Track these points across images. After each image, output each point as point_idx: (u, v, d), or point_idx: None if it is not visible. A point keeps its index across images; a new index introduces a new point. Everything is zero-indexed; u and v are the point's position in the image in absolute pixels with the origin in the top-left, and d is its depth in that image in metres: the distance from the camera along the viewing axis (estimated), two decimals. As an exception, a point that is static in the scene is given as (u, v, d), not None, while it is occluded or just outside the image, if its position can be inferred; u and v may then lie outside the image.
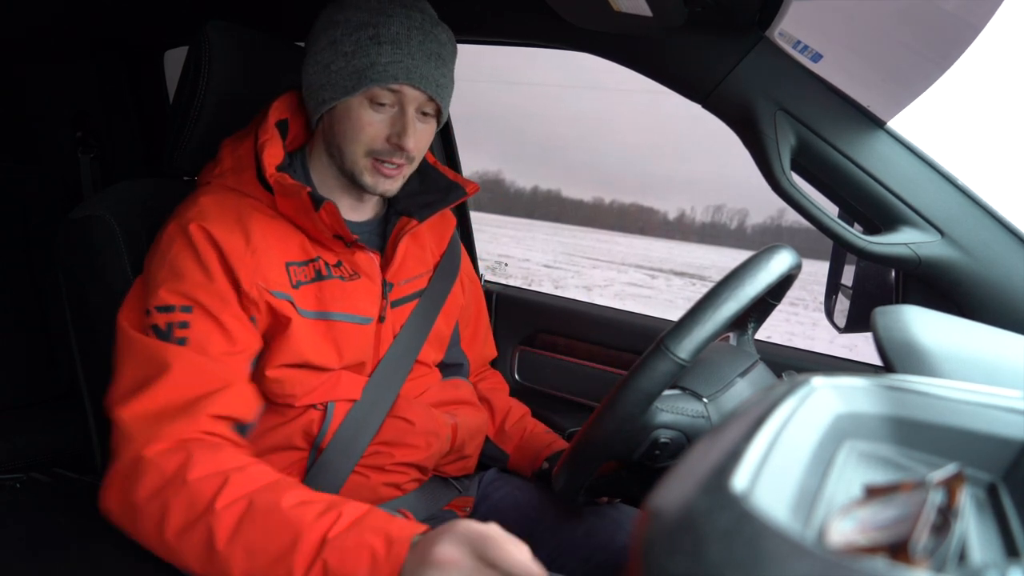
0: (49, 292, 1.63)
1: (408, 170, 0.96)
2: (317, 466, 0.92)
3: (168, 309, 0.83)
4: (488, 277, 1.72)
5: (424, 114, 0.94)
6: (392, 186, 0.96)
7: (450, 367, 1.19)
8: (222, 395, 0.81)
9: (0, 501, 0.94)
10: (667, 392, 0.85)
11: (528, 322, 1.58)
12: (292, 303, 0.89)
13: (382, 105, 0.91)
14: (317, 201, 0.87)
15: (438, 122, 0.97)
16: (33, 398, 1.58)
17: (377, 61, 0.88)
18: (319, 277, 0.93)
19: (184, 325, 0.83)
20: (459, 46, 1.51)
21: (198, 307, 0.84)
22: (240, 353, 0.85)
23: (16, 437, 1.45)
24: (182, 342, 0.82)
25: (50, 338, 1.62)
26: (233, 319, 0.85)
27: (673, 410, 0.83)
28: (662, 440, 0.83)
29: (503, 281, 1.76)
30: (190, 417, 0.79)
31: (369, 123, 0.91)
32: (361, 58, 0.89)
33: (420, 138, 0.93)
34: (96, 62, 1.71)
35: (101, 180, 1.76)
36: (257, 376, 0.90)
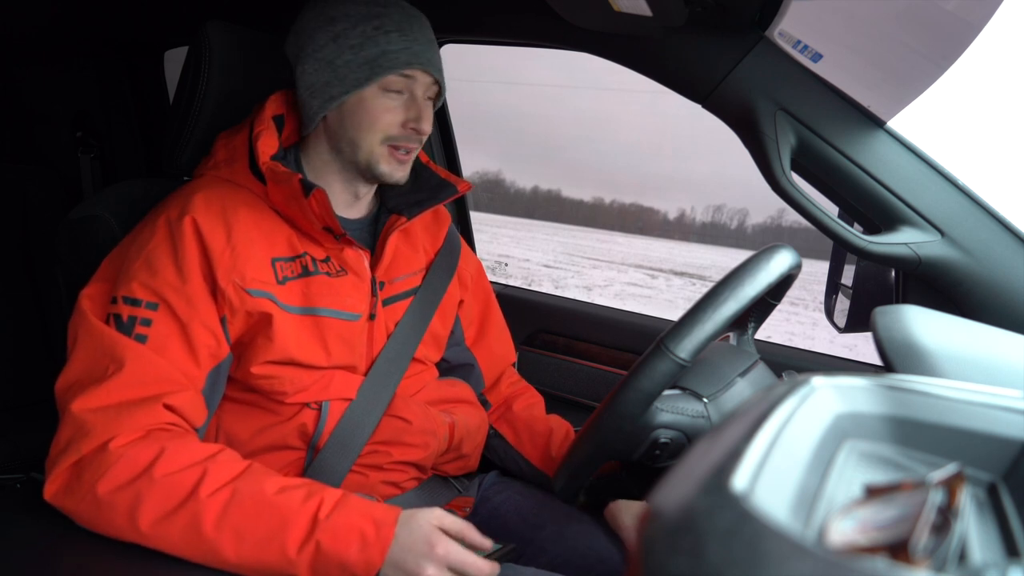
0: (49, 292, 1.63)
1: (415, 153, 1.00)
2: (314, 466, 0.92)
3: (135, 303, 0.83)
4: (488, 277, 1.72)
5: (428, 97, 0.98)
6: (405, 172, 0.99)
7: (457, 368, 1.18)
8: (176, 396, 0.82)
9: (0, 501, 0.94)
10: (667, 392, 0.85)
11: (528, 322, 1.58)
12: (274, 300, 0.89)
13: (395, 92, 0.94)
14: (308, 188, 0.88)
15: (433, 105, 1.01)
16: (33, 398, 1.58)
17: (388, 49, 0.91)
18: (306, 273, 0.93)
19: (147, 323, 0.83)
20: (459, 46, 1.51)
21: (165, 306, 0.84)
22: (197, 363, 0.85)
23: (16, 437, 1.45)
24: (141, 339, 0.82)
25: (50, 338, 1.62)
26: (199, 326, 0.85)
27: (673, 410, 0.83)
28: (662, 440, 0.83)
29: (503, 281, 1.76)
30: (150, 409, 0.80)
31: (386, 110, 0.94)
32: (371, 48, 0.91)
33: (430, 119, 0.98)
34: (96, 62, 1.71)
35: (101, 180, 1.76)
36: (243, 372, 0.90)
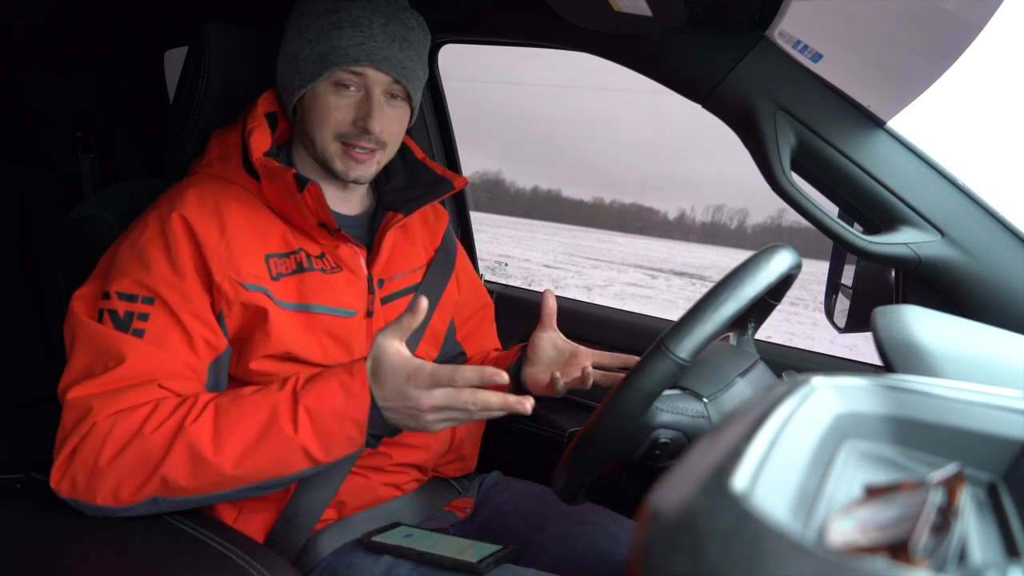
0: (49, 292, 1.63)
1: (382, 156, 0.97)
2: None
3: (131, 298, 0.83)
4: (488, 277, 1.72)
5: (393, 97, 0.94)
6: (365, 172, 0.96)
7: (448, 362, 1.19)
8: (174, 381, 0.83)
9: (0, 501, 0.94)
10: (667, 392, 0.85)
11: (528, 322, 1.57)
12: (268, 295, 0.89)
13: (347, 88, 0.92)
14: (302, 183, 0.88)
15: (411, 108, 0.98)
16: (33, 398, 1.58)
17: (338, 45, 0.90)
18: (300, 269, 0.93)
19: (144, 317, 0.83)
20: (459, 46, 1.51)
21: (160, 301, 0.84)
22: (197, 356, 0.86)
23: (16, 437, 1.45)
24: (139, 334, 0.83)
25: (50, 338, 1.62)
26: (194, 319, 0.85)
27: (673, 410, 0.83)
28: (662, 440, 0.83)
29: (503, 281, 1.76)
30: (146, 388, 0.81)
31: (335, 107, 0.92)
32: (323, 43, 0.90)
33: (389, 122, 0.94)
34: (96, 62, 1.71)
35: (101, 180, 1.76)
36: (242, 370, 0.90)
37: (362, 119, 0.92)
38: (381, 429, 0.82)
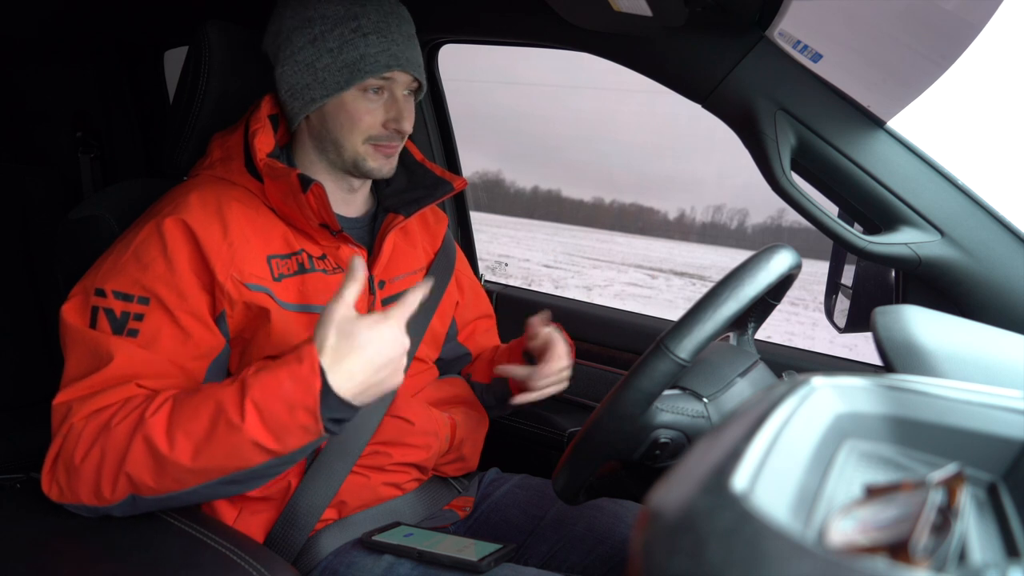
0: (49, 292, 1.63)
1: (399, 148, 1.00)
2: (315, 466, 0.92)
3: (127, 297, 0.83)
4: (488, 277, 1.72)
5: (408, 93, 0.98)
6: (392, 165, 1.00)
7: (452, 362, 1.19)
8: (158, 380, 0.82)
9: (0, 501, 0.94)
10: (667, 392, 0.85)
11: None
12: (271, 295, 0.89)
13: (374, 92, 0.94)
14: (305, 183, 0.88)
15: (415, 99, 1.02)
16: (33, 398, 1.58)
17: (367, 53, 0.91)
18: (302, 270, 0.93)
19: (139, 317, 0.83)
20: (458, 46, 1.51)
21: (156, 300, 0.84)
22: (193, 356, 0.85)
23: (16, 437, 1.45)
24: (133, 334, 0.82)
25: (50, 338, 1.62)
26: (190, 317, 0.85)
27: (673, 410, 0.83)
28: (662, 440, 0.83)
29: (503, 281, 1.76)
30: (123, 388, 0.80)
31: (367, 112, 0.94)
32: (349, 52, 0.91)
33: (410, 117, 0.98)
34: (96, 62, 1.71)
35: (101, 180, 1.76)
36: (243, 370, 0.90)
37: (393, 121, 0.95)
38: (340, 412, 0.76)
